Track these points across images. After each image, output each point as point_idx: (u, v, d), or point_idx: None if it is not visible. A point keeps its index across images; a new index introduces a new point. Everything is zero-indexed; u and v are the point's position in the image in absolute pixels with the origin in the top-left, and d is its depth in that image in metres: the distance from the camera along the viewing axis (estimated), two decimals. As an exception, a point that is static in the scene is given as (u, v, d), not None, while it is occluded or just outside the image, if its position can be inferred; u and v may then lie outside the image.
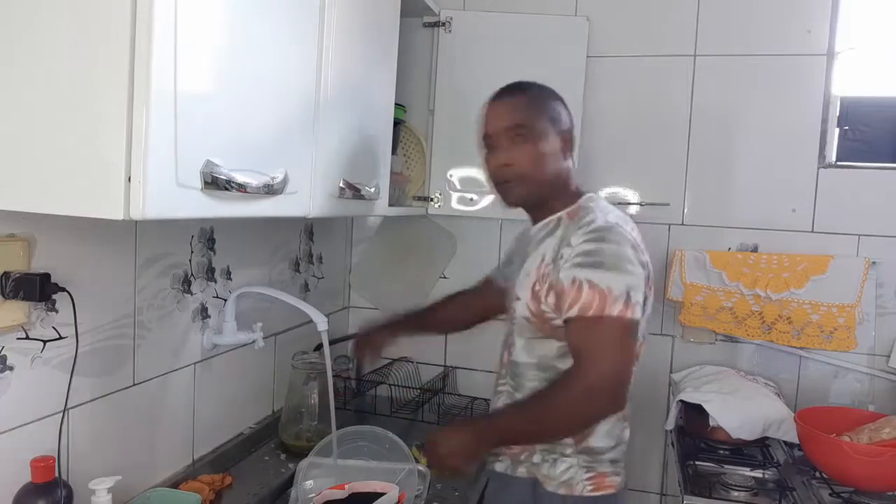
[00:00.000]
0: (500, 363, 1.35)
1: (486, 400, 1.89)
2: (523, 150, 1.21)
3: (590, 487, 1.21)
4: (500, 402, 1.31)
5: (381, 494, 1.15)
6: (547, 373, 1.21)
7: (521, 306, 1.23)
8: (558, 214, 1.26)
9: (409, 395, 2.00)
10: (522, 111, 1.22)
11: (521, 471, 1.26)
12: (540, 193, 1.25)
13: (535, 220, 1.30)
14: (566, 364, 1.16)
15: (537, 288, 1.19)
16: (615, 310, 1.09)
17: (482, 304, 1.55)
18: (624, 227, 1.17)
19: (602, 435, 1.22)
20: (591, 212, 1.20)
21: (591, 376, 1.08)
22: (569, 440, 1.21)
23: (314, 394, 1.69)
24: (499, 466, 1.31)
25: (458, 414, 1.97)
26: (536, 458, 1.24)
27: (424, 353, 2.19)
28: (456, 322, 1.63)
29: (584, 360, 1.10)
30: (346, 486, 1.16)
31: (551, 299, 1.17)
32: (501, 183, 1.25)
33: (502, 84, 1.28)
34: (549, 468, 1.23)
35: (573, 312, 1.11)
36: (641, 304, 1.13)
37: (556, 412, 1.11)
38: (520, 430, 1.17)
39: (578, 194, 1.28)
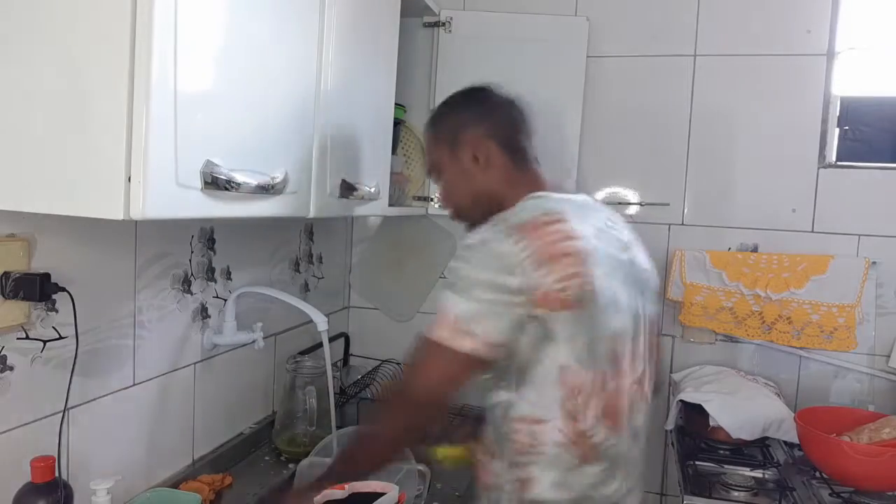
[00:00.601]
0: None
1: (476, 406, 1.85)
2: (442, 189, 1.22)
3: None
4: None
5: (381, 494, 1.14)
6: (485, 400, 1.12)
7: None
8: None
9: None
10: (427, 152, 1.23)
11: None
12: (480, 213, 1.14)
13: None
14: (490, 396, 1.09)
15: None
16: (437, 333, 0.99)
17: None
18: (504, 241, 0.99)
19: (549, 486, 1.03)
20: (492, 222, 1.05)
21: (396, 389, 1.07)
22: (506, 485, 1.06)
23: (311, 398, 1.67)
24: None
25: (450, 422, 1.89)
26: (484, 502, 1.12)
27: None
28: None
29: (401, 380, 1.08)
30: (347, 486, 1.16)
31: None
32: (453, 219, 1.25)
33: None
34: None
35: None
36: (490, 336, 0.98)
37: (361, 439, 1.10)
38: (340, 470, 1.10)
39: (525, 192, 1.12)
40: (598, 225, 1.09)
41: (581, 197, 1.16)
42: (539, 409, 1.03)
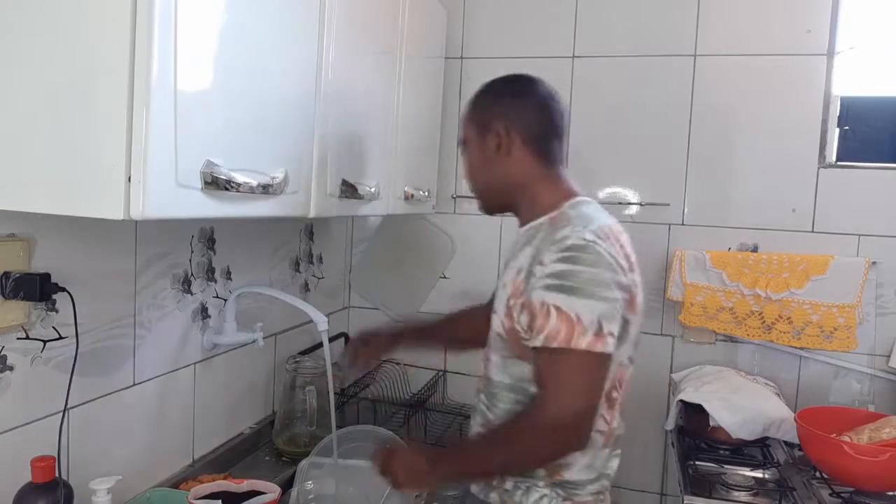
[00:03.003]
0: (480, 377, 1.25)
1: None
2: (466, 164, 1.23)
3: None
4: (475, 422, 1.23)
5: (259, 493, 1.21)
6: (519, 395, 1.13)
7: (496, 321, 1.15)
8: (541, 220, 1.14)
9: (394, 408, 1.92)
10: (463, 124, 1.23)
11: (494, 496, 1.16)
12: (500, 201, 1.22)
13: (521, 224, 1.21)
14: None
15: (511, 303, 1.10)
16: (583, 342, 0.99)
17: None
18: (602, 243, 1.04)
19: (580, 468, 1.11)
20: (568, 222, 1.08)
21: (552, 413, 1.01)
22: (540, 471, 1.12)
23: (312, 398, 1.67)
24: (473, 487, 1.22)
25: (446, 431, 1.88)
26: (508, 485, 1.14)
27: (417, 354, 2.10)
28: (465, 340, 1.47)
29: (547, 395, 1.03)
30: (245, 482, 1.24)
31: (524, 318, 1.07)
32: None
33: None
34: (521, 496, 1.13)
35: (538, 341, 1.03)
36: (616, 334, 1.04)
37: (513, 450, 1.05)
38: (476, 470, 1.14)
39: (566, 194, 1.16)
40: None
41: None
42: None
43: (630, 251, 1.12)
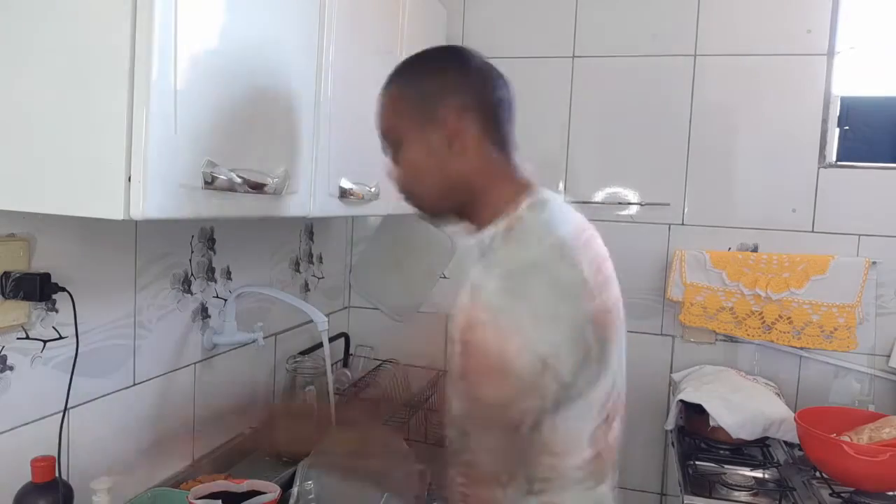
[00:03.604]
0: None
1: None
2: (402, 169, 0.97)
3: None
4: None
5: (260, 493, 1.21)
6: None
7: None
8: (492, 230, 0.91)
9: (394, 408, 1.88)
10: (382, 117, 0.97)
11: None
12: (452, 205, 0.96)
13: (470, 230, 0.97)
14: None
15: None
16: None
17: None
18: (548, 266, 0.84)
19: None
20: (521, 233, 0.88)
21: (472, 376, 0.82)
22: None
23: (312, 398, 1.66)
24: None
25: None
26: None
27: (417, 354, 2.08)
28: None
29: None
30: (245, 482, 1.23)
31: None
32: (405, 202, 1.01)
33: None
34: None
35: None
36: (565, 370, 0.82)
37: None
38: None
39: (523, 188, 0.94)
40: None
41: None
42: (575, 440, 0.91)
43: (601, 258, 0.94)
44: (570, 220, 0.94)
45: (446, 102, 0.92)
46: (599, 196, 2.03)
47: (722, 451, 1.71)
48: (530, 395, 0.81)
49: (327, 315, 1.47)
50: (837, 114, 1.89)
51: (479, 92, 0.93)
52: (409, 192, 0.99)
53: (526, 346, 0.79)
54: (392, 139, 0.97)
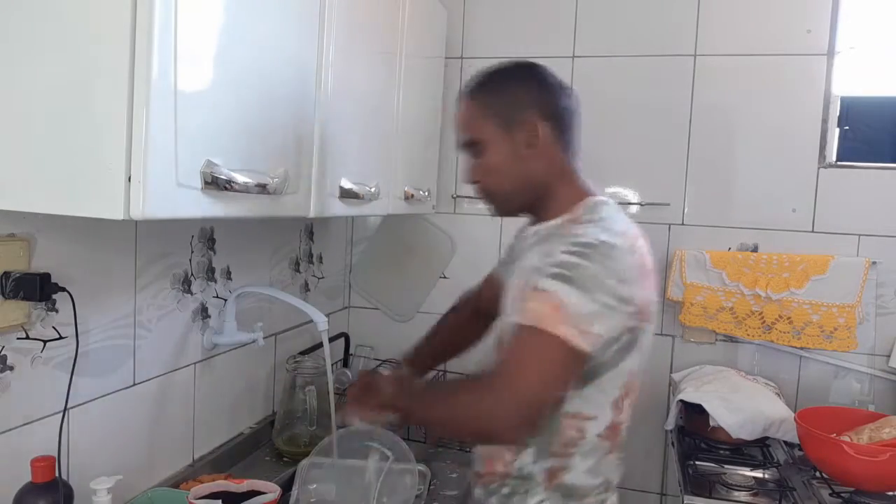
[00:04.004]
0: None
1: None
2: (479, 167, 1.10)
3: None
4: None
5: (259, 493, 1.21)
6: None
7: (503, 324, 1.09)
8: (556, 220, 1.08)
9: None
10: (468, 122, 1.10)
11: (493, 502, 1.12)
12: (524, 202, 1.12)
13: (532, 223, 1.15)
14: None
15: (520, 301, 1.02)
16: (561, 329, 0.91)
17: (487, 304, 1.30)
18: (616, 249, 0.97)
19: (583, 472, 1.06)
20: (589, 223, 1.02)
21: (498, 387, 0.91)
22: (538, 475, 1.06)
23: (312, 398, 1.67)
24: (477, 492, 1.17)
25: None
26: (506, 490, 1.09)
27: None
28: (468, 336, 1.43)
29: (500, 368, 0.94)
30: (245, 482, 1.24)
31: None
32: (480, 198, 1.15)
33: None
34: (519, 500, 1.08)
35: (515, 317, 0.96)
36: (606, 337, 0.96)
37: (449, 407, 0.98)
38: (419, 413, 1.06)
39: (583, 193, 1.10)
40: None
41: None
42: (594, 407, 1.04)
43: (646, 258, 1.05)
44: (624, 219, 1.07)
45: (529, 111, 1.06)
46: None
47: (722, 451, 1.71)
48: (585, 337, 0.92)
49: (327, 315, 1.47)
50: (837, 114, 1.90)
51: (553, 102, 1.08)
52: (488, 189, 1.12)
53: (580, 298, 0.92)
54: (477, 142, 1.09)
